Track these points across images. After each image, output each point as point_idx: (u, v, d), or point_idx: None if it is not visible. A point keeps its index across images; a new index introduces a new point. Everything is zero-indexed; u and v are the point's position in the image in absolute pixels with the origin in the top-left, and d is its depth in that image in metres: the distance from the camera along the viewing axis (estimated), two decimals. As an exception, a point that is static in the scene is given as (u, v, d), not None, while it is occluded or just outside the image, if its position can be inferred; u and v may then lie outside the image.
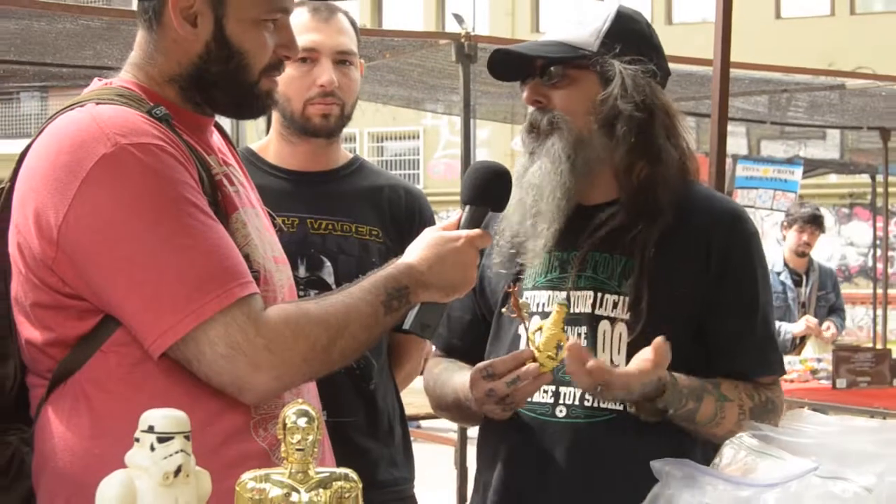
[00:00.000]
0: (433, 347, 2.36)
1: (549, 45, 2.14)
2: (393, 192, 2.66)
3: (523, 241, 2.13)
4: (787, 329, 7.33)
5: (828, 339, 7.52)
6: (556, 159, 2.08)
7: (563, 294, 2.11)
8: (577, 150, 2.09)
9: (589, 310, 2.08)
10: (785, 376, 7.31)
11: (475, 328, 2.26)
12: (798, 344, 7.43)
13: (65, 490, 1.65)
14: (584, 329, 2.08)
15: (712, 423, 2.01)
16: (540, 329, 1.95)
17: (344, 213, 2.56)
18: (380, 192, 2.64)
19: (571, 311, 2.08)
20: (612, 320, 2.07)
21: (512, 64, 2.18)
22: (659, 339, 1.89)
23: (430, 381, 2.28)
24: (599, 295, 2.09)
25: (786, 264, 7.67)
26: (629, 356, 2.00)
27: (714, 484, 1.49)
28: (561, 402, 2.07)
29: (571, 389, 2.06)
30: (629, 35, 2.13)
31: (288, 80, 2.46)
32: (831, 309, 7.83)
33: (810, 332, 7.40)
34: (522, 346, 2.09)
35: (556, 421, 2.07)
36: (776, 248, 8.37)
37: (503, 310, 2.17)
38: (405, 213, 2.65)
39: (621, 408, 2.04)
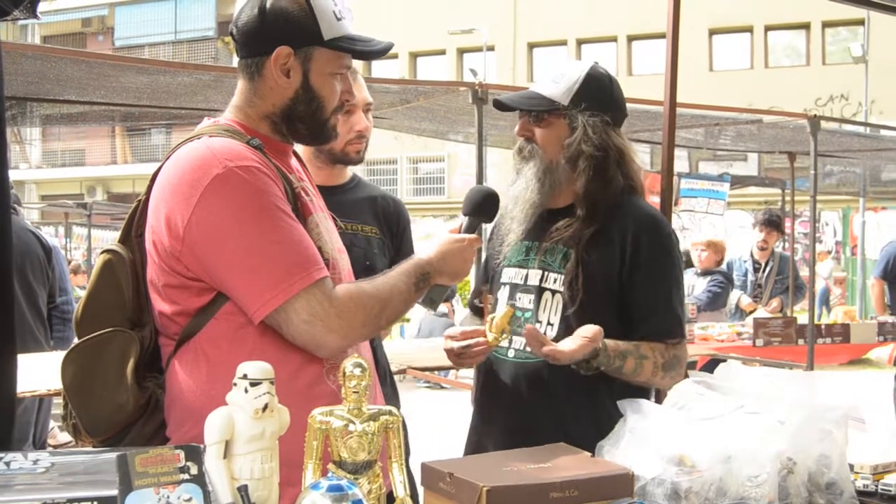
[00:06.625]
0: (466, 308, 2.50)
1: (533, 97, 2.20)
2: (384, 201, 2.77)
3: (506, 234, 2.25)
4: (743, 298, 7.53)
5: (772, 311, 7.57)
6: (529, 181, 2.18)
7: (521, 278, 2.23)
8: (545, 174, 2.17)
9: (537, 283, 2.18)
10: (717, 336, 7.20)
11: None
12: (746, 312, 7.49)
13: (188, 420, 1.66)
14: (532, 296, 2.19)
15: (634, 375, 2.07)
16: (493, 318, 2.05)
17: (352, 217, 2.61)
18: (375, 201, 2.74)
19: (525, 283, 2.21)
20: (553, 292, 2.16)
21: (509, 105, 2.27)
22: (595, 327, 1.97)
23: None
24: (546, 273, 2.17)
25: (752, 255, 7.71)
26: (563, 319, 2.11)
27: (666, 418, 1.47)
28: (512, 346, 2.18)
29: (521, 339, 2.13)
30: (593, 94, 2.17)
31: None
32: (787, 288, 7.81)
33: (752, 307, 7.49)
34: (500, 308, 2.22)
35: (509, 360, 2.19)
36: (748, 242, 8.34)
37: (475, 300, 2.41)
38: (393, 216, 2.77)
39: None
